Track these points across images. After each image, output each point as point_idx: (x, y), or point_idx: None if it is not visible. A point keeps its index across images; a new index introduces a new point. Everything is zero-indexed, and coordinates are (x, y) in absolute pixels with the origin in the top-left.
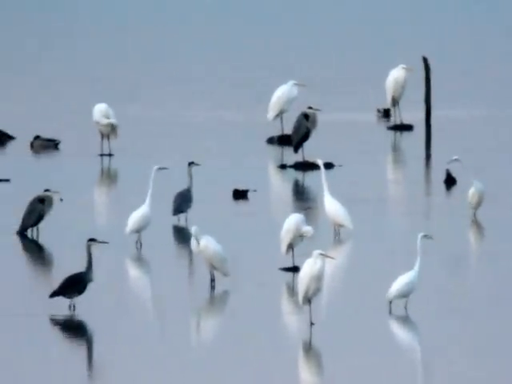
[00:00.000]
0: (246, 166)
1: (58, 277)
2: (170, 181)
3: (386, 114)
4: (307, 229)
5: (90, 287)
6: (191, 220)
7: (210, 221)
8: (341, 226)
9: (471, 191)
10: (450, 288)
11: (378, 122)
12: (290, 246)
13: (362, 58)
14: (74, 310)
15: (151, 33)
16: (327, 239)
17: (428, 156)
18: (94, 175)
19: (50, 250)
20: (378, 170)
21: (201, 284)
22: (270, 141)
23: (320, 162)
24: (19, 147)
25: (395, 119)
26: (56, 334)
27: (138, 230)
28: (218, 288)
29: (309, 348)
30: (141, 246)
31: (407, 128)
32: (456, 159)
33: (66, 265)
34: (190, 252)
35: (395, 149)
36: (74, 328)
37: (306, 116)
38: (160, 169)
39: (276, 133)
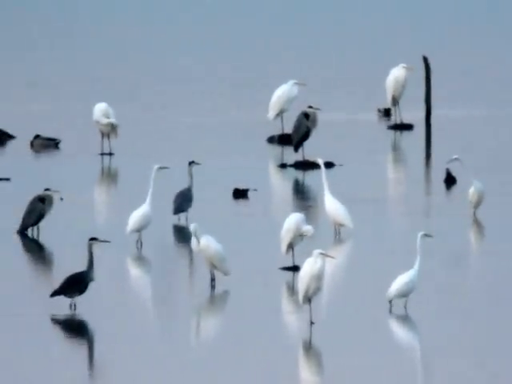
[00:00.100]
0: (246, 166)
1: (58, 276)
2: (170, 180)
3: (386, 113)
4: (307, 228)
5: (91, 286)
6: (192, 219)
7: (210, 220)
8: (341, 225)
9: (471, 191)
10: (450, 287)
11: (378, 122)
12: (291, 246)
13: (362, 58)
14: (74, 309)
15: (151, 33)
16: (327, 238)
17: (428, 155)
18: (95, 174)
19: (50, 250)
20: (378, 170)
21: (201, 283)
22: (271, 140)
23: (320, 162)
24: (19, 146)
25: (395, 118)
26: (57, 333)
27: (139, 230)
28: (218, 287)
29: (309, 347)
30: (141, 245)
31: (407, 127)
32: (456, 158)
33: (67, 264)
34: (191, 251)
35: (395, 148)
36: (74, 327)
37: (306, 115)
38: (160, 168)
39: (276, 132)
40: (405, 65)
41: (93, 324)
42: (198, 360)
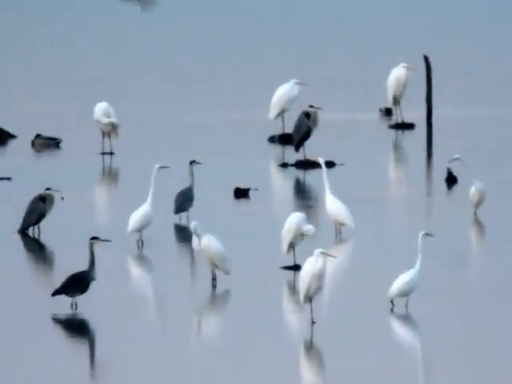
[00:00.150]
0: (247, 165)
1: (59, 275)
2: (171, 179)
3: (387, 112)
4: (308, 227)
5: (92, 286)
6: (193, 219)
7: (211, 219)
8: (342, 224)
9: (472, 190)
10: (451, 287)
11: (379, 121)
12: (291, 245)
13: (362, 57)
14: (76, 308)
15: (151, 33)
16: (328, 238)
17: (429, 155)
18: (95, 174)
19: (51, 249)
20: (380, 169)
21: (202, 283)
22: (272, 140)
23: (321, 161)
24: (20, 146)
25: (397, 118)
26: (58, 332)
27: (140, 229)
28: (220, 287)
29: (310, 346)
30: (142, 244)
31: (408, 127)
32: (457, 158)
33: (68, 263)
34: (192, 251)
35: (396, 148)
36: (75, 327)
37: (307, 115)
38: (161, 167)
39: (277, 132)
40: (406, 64)
41: (94, 323)
42: (199, 359)
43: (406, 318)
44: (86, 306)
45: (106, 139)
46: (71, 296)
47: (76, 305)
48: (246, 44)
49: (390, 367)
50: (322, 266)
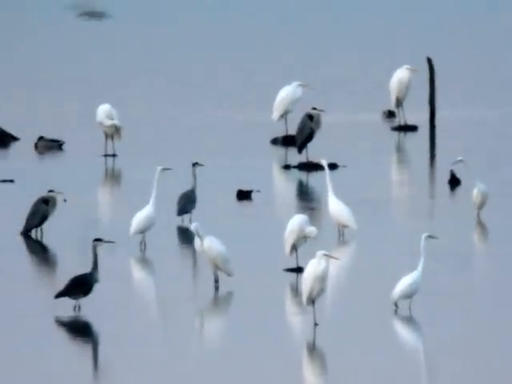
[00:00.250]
0: (249, 167)
1: (62, 277)
2: (174, 181)
3: (390, 114)
4: (311, 229)
5: (95, 288)
6: (195, 221)
7: (213, 221)
8: (345, 226)
9: (474, 192)
10: (454, 288)
11: (382, 123)
12: (294, 247)
13: (365, 59)
14: (78, 311)
15: (151, 33)
16: (331, 240)
17: (432, 157)
18: (98, 176)
19: (53, 251)
20: (382, 171)
21: (205, 284)
22: (274, 141)
23: (324, 163)
24: (23, 148)
25: (399, 120)
26: (61, 334)
27: (142, 231)
28: (222, 288)
29: (313, 348)
30: (145, 246)
31: (411, 129)
32: (460, 160)
33: (70, 265)
34: (194, 253)
35: (399, 149)
36: (78, 329)
37: (310, 117)
38: (164, 169)
39: (280, 133)
40: (409, 66)
41: (96, 325)
42: (202, 361)
43: (409, 320)
44: (88, 307)
45: (109, 141)
46: (74, 298)
47: (79, 307)
48: (245, 44)
49: (393, 369)
50: (324, 268)
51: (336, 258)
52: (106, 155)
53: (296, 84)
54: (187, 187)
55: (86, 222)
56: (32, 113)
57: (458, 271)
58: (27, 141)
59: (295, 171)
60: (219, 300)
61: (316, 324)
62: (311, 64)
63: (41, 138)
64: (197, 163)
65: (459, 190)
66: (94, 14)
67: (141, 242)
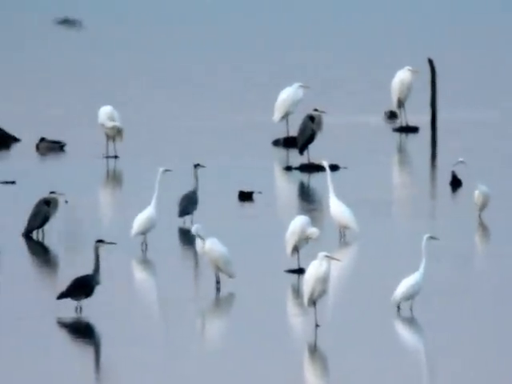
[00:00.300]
0: (251, 168)
1: (63, 279)
2: (175, 183)
3: (392, 115)
4: (313, 230)
5: (96, 289)
6: (197, 222)
7: (215, 223)
8: (346, 227)
9: (476, 193)
10: (456, 289)
11: (383, 124)
12: (296, 248)
13: (367, 60)
14: (80, 312)
15: (151, 33)
16: (333, 241)
17: (433, 158)
18: (100, 177)
19: (55, 252)
20: (384, 172)
21: (206, 286)
22: (276, 143)
23: (325, 164)
24: (25, 149)
25: (401, 121)
26: (62, 336)
27: (144, 232)
28: (223, 290)
29: (314, 350)
30: (146, 248)
31: (413, 130)
32: (461, 161)
33: (71, 267)
34: (196, 254)
35: (401, 151)
36: (80, 330)
37: (311, 118)
38: (166, 171)
39: (281, 135)
40: (410, 67)
41: (98, 326)
42: (203, 363)
43: (411, 321)
44: (89, 309)
45: (111, 143)
46: (76, 300)
47: (81, 308)
48: (246, 44)
49: (395, 370)
50: (326, 270)
51: (337, 260)
52: (107, 157)
53: (297, 85)
54: (189, 188)
55: (88, 223)
56: (33, 114)
57: (459, 272)
58: (29, 142)
59: (297, 172)
60: (220, 301)
61: (317, 325)
62: (312, 64)
63: (42, 140)
64: (198, 164)
65: (460, 191)
66: (70, 22)
67: (142, 244)
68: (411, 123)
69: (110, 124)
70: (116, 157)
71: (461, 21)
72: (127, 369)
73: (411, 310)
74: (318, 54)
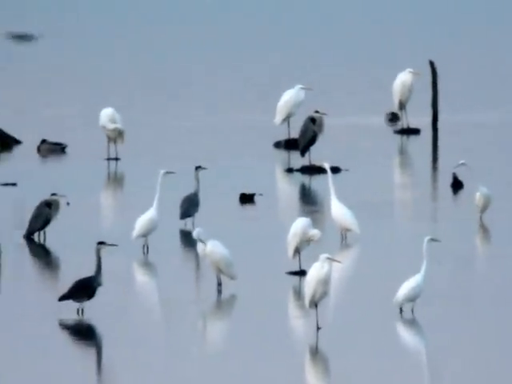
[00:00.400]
0: (252, 170)
1: (65, 281)
2: (177, 185)
3: (394, 117)
4: (314, 232)
5: (98, 291)
6: (198, 224)
7: (216, 225)
8: (348, 230)
9: (477, 195)
10: (457, 291)
11: (384, 126)
12: (297, 250)
13: (369, 62)
14: (82, 314)
15: (151, 33)
16: (334, 243)
17: (435, 160)
18: (101, 179)
19: (56, 254)
20: (385, 174)
21: (207, 288)
22: (277, 145)
23: (327, 166)
24: (26, 151)
25: (402, 123)
26: (64, 337)
27: (145, 234)
28: (225, 292)
29: (315, 352)
30: (148, 250)
31: (414, 132)
32: (463, 163)
33: (73, 269)
34: (197, 256)
35: (402, 153)
36: (82, 332)
37: (312, 120)
38: (167, 173)
39: (283, 137)
40: (411, 69)
41: (100, 328)
42: (204, 365)
43: (412, 323)
44: (91, 311)
45: (112, 145)
46: (78, 301)
47: (82, 310)
48: (246, 44)
49: (396, 372)
50: (327, 272)
51: (338, 262)
52: (108, 158)
53: (299, 87)
54: (190, 191)
55: (89, 225)
56: (35, 116)
57: (460, 274)
58: (30, 144)
59: (298, 174)
60: (222, 303)
61: (319, 327)
62: (312, 64)
63: (44, 141)
64: (200, 167)
65: (462, 193)
66: (23, 37)
67: (144, 246)
68: (412, 125)
69: (111, 126)
70: (117, 159)
71: (462, 21)
72: (128, 370)
73: (412, 311)
74: (318, 53)
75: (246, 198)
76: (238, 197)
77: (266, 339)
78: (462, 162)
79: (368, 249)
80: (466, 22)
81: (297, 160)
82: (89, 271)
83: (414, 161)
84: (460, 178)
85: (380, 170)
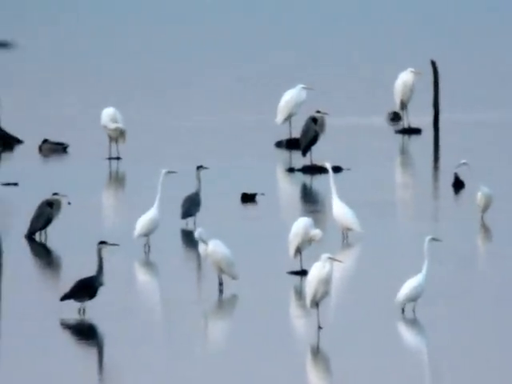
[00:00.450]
0: (254, 170)
1: (66, 280)
2: (178, 184)
3: (395, 116)
4: (316, 232)
5: (100, 291)
6: (199, 224)
7: (218, 224)
8: (349, 229)
9: (479, 195)
10: (458, 291)
11: (386, 126)
12: (298, 250)
13: (370, 62)
14: (83, 314)
15: (151, 33)
16: (335, 243)
17: (436, 159)
18: (102, 179)
19: (58, 254)
20: (386, 174)
21: (209, 287)
22: (279, 144)
23: (328, 166)
24: (27, 151)
25: (403, 123)
26: (66, 337)
27: (147, 234)
28: (226, 291)
29: (316, 352)
30: (149, 249)
31: (415, 132)
32: (464, 163)
33: (74, 268)
34: (198, 256)
35: (403, 152)
36: (83, 332)
37: (314, 120)
38: (168, 172)
39: (284, 136)
40: (413, 69)
41: (101, 328)
42: (206, 364)
43: (413, 323)
44: (92, 310)
45: (113, 144)
46: (80, 301)
47: (84, 310)
48: (245, 44)
49: (398, 371)
50: (328, 271)
51: (340, 261)
52: (110, 158)
53: (300, 87)
54: (191, 190)
55: (91, 224)
56: (36, 115)
57: (461, 274)
58: (31, 144)
59: (299, 174)
60: (223, 303)
61: (320, 327)
62: (313, 64)
63: (45, 141)
64: (201, 166)
65: (463, 192)
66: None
67: (145, 245)
68: (414, 125)
69: (112, 125)
70: (118, 158)
71: (463, 21)
72: (130, 370)
73: (414, 311)
74: (318, 54)
75: (248, 198)
76: (239, 196)
77: (268, 339)
78: (463, 161)
79: (369, 248)
80: (465, 22)
81: (298, 160)
82: (90, 271)
83: (416, 160)
84: (461, 177)
85: (381, 170)
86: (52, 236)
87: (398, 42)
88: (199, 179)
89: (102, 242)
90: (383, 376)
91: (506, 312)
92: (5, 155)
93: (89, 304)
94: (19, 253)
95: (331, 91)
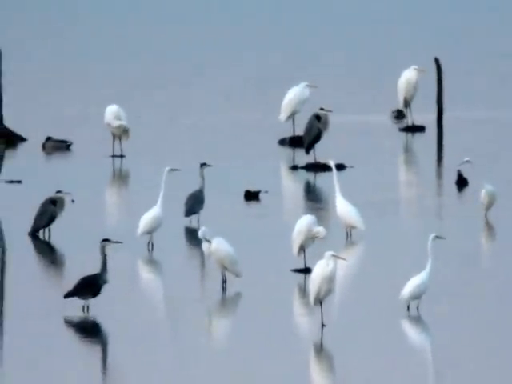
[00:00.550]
0: (257, 168)
1: (69, 278)
2: (181, 182)
3: (399, 114)
4: (319, 229)
5: (103, 289)
6: (203, 221)
7: (221, 222)
8: (353, 227)
9: (482, 193)
10: (462, 289)
11: (389, 124)
12: (302, 248)
13: (374, 59)
14: (87, 311)
15: (151, 33)
16: (339, 240)
17: (439, 157)
18: (106, 176)
19: (61, 251)
20: (390, 171)
21: (212, 285)
22: (282, 142)
23: (332, 163)
24: (31, 148)
25: (407, 120)
26: (69, 335)
27: (150, 232)
28: (230, 289)
29: (320, 349)
30: (152, 247)
31: (419, 129)
32: (467, 161)
33: (78, 266)
34: (202, 253)
35: (407, 150)
36: (87, 329)
37: (317, 117)
38: (172, 170)
39: (287, 134)
40: (416, 67)
41: (105, 326)
42: (210, 362)
43: (417, 321)
44: (97, 308)
45: (117, 142)
46: (83, 299)
47: (88, 307)
48: (245, 44)
49: (401, 369)
50: (332, 269)
51: (343, 259)
52: (113, 156)
53: (304, 85)
54: (195, 188)
55: (94, 222)
56: (40, 113)
57: (465, 271)
58: (35, 141)
59: (303, 172)
60: (227, 301)
61: (323, 325)
62: (313, 64)
63: (48, 139)
64: (205, 164)
65: (467, 190)
66: None
67: (148, 243)
68: (417, 122)
69: (116, 123)
70: (122, 156)
71: (470, 19)
72: (133, 368)
73: (417, 309)
74: (319, 54)
75: (251, 196)
76: (242, 194)
77: (271, 336)
78: (466, 159)
79: (373, 246)
80: (465, 22)
81: (302, 157)
82: (94, 268)
83: (419, 158)
84: (465, 175)
85: (385, 168)
86: (55, 234)
87: (400, 40)
88: (203, 177)
89: (106, 240)
90: (387, 374)
91: (509, 309)
92: (8, 153)
93: (92, 302)
94: (23, 250)
95: (334, 88)
